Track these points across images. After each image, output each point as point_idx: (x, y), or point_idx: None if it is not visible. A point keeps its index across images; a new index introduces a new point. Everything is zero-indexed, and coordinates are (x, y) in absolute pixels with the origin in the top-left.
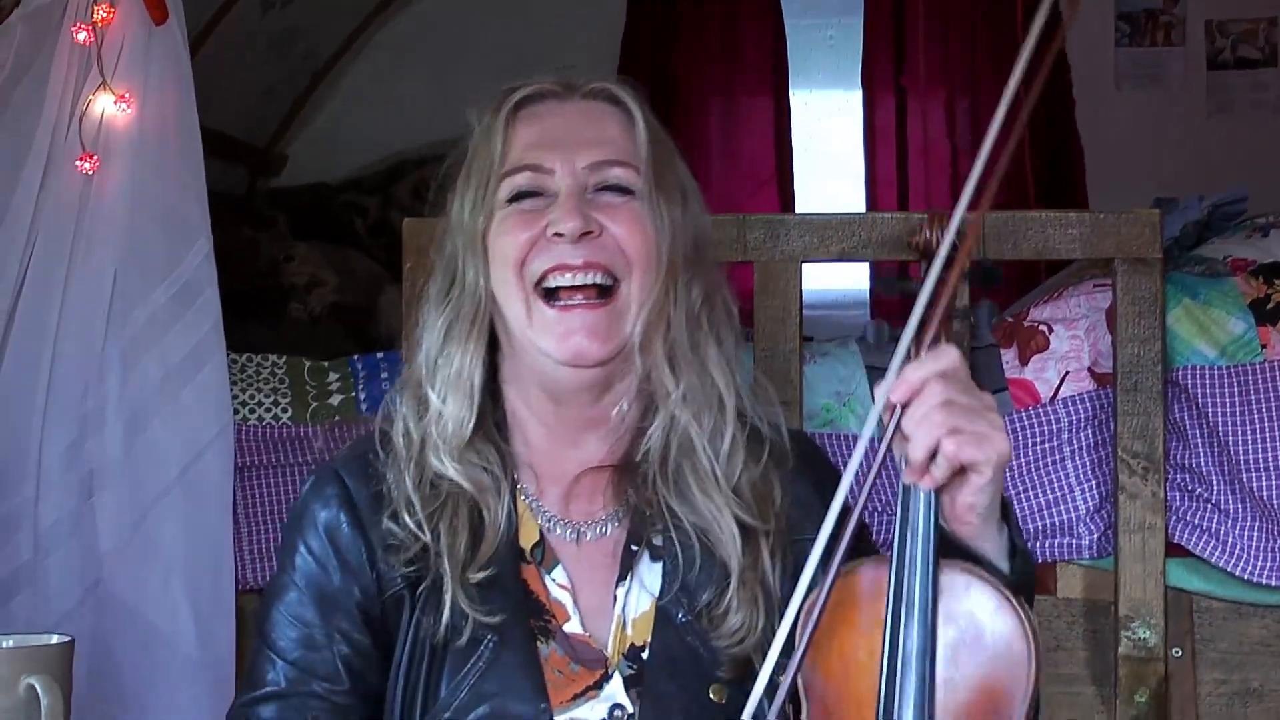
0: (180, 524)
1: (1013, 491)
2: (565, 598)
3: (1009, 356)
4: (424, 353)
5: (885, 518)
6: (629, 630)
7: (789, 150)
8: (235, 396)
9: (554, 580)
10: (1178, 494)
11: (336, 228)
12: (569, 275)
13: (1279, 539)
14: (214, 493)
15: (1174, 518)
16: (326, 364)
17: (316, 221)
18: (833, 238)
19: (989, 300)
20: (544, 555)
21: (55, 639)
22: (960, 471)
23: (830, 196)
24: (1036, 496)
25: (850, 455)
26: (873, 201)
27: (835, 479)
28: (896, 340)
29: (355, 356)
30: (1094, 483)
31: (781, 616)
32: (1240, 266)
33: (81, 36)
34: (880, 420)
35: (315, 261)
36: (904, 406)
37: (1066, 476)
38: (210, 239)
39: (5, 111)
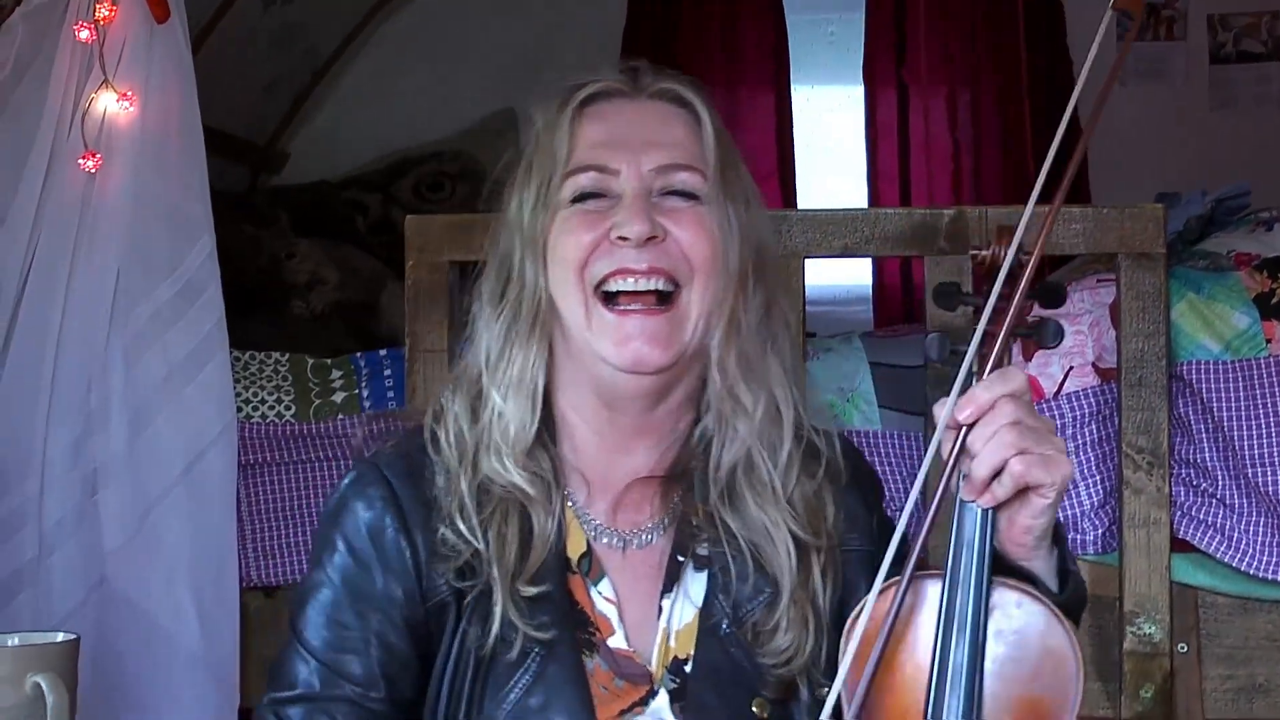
0: (184, 522)
1: None
2: (611, 611)
3: (1012, 352)
4: (482, 353)
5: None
6: (672, 642)
7: (790, 146)
8: (238, 394)
9: (600, 593)
10: (1182, 489)
11: (337, 225)
12: (631, 280)
13: None
14: (217, 490)
15: (1179, 513)
16: (329, 361)
17: (318, 219)
18: (835, 234)
19: None
20: (591, 566)
21: (61, 637)
22: (1022, 492)
23: (832, 192)
24: None
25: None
26: (875, 197)
27: (879, 487)
28: (959, 355)
29: (358, 354)
30: (1098, 478)
31: (839, 634)
32: (1244, 261)
33: (84, 35)
34: (932, 438)
35: (317, 259)
36: (969, 425)
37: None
38: (213, 237)
39: (7, 110)
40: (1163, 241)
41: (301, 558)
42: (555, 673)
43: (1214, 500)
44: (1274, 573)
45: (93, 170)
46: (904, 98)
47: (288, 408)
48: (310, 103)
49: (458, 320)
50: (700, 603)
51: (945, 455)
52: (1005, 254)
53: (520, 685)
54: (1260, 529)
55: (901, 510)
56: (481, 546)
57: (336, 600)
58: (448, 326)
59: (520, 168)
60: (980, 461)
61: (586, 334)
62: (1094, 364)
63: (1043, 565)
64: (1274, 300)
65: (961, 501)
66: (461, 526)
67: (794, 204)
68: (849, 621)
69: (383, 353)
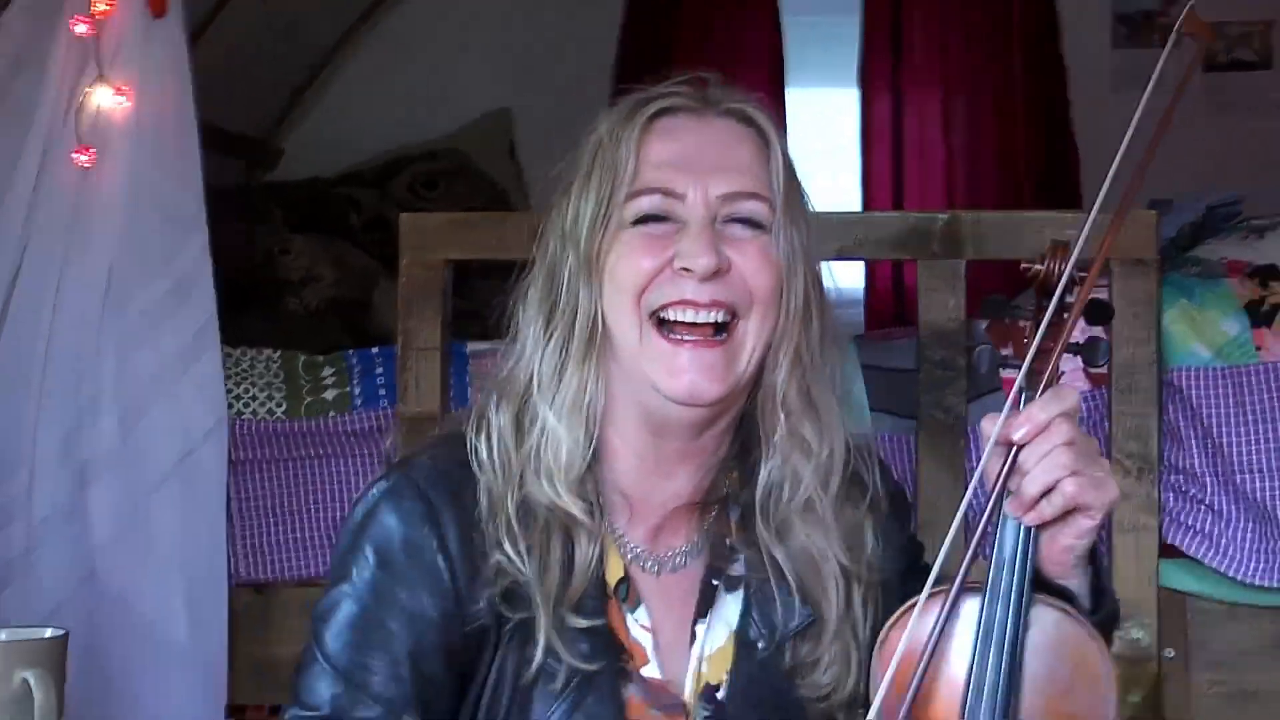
0: (174, 517)
1: None
2: (646, 639)
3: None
4: (533, 367)
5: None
6: (704, 668)
7: None
8: (230, 391)
9: (636, 620)
10: (1171, 495)
11: (331, 222)
12: (691, 312)
13: (1272, 540)
14: (208, 487)
15: (1167, 518)
16: (321, 359)
17: (312, 215)
18: (829, 236)
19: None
20: (628, 593)
21: (50, 633)
22: (1068, 513)
23: (825, 195)
24: None
25: None
26: (869, 200)
27: (909, 507)
28: (1005, 366)
29: (350, 351)
30: None
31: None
32: (1236, 268)
33: (81, 29)
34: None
35: (311, 255)
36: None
37: None
38: (206, 233)
39: (3, 104)
40: (1155, 248)
41: (292, 555)
42: (594, 703)
43: (1203, 506)
44: (1262, 579)
45: (87, 165)
46: (899, 102)
47: (279, 405)
48: (306, 99)
49: (449, 319)
50: (735, 623)
51: (995, 473)
52: (1061, 269)
53: (559, 713)
54: (1248, 535)
55: None
56: (528, 572)
57: (364, 615)
58: (440, 324)
59: (579, 175)
60: (1032, 480)
61: (639, 359)
62: (1085, 369)
63: (1079, 583)
64: (1265, 307)
65: (1004, 518)
66: (510, 551)
67: None
68: (883, 633)
69: (375, 350)
